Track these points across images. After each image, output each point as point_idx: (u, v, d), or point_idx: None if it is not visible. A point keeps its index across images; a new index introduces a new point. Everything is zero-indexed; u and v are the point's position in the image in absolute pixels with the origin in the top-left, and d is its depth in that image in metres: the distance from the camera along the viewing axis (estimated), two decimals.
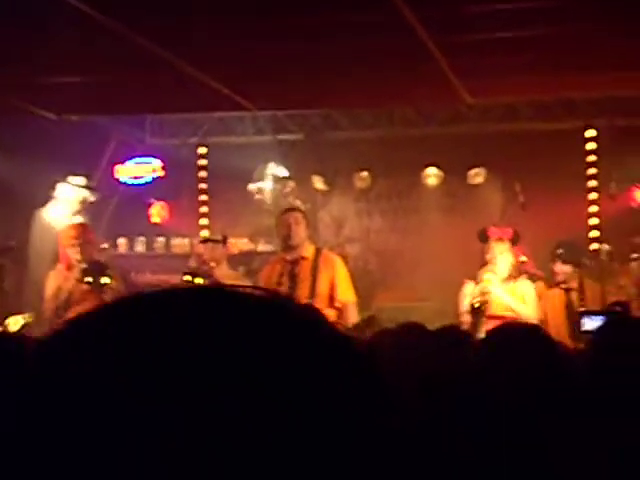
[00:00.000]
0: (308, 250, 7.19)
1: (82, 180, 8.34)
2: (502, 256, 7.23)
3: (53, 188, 8.27)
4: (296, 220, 7.23)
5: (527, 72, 7.71)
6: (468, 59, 7.26)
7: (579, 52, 7.08)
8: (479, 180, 10.22)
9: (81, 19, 6.18)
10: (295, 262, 7.14)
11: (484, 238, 7.35)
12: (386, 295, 9.69)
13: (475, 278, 7.24)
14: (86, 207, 8.31)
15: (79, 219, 8.01)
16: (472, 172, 10.17)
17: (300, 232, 7.18)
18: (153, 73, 7.63)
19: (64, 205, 8.24)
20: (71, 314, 7.06)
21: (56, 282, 7.19)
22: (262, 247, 10.44)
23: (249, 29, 6.60)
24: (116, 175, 10.50)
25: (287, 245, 7.21)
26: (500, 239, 7.29)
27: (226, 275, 7.59)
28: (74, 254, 7.13)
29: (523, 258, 8.28)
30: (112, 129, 10.33)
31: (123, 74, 7.69)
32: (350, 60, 7.24)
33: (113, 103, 8.94)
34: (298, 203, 9.93)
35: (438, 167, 10.31)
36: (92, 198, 8.40)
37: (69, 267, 7.16)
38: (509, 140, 9.71)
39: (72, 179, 8.29)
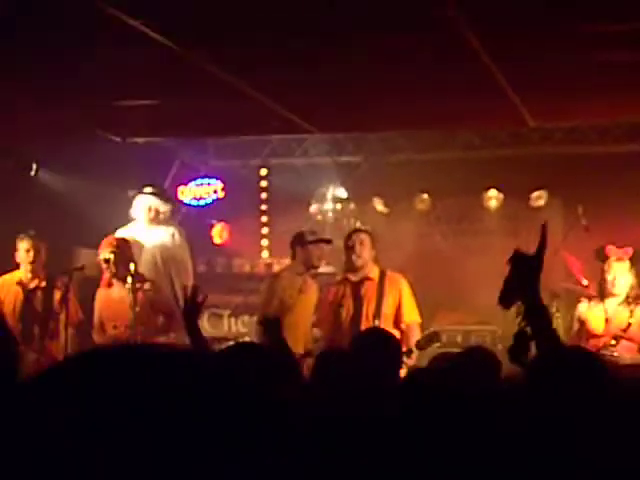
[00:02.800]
0: (373, 271, 7.21)
1: (159, 189, 8.44)
2: (622, 276, 7.21)
3: (127, 206, 8.38)
4: (361, 241, 7.27)
5: (590, 96, 7.67)
6: (531, 82, 7.24)
7: None
8: (541, 203, 10.16)
9: (147, 44, 6.29)
10: (360, 283, 7.17)
11: (602, 257, 7.33)
12: (446, 317, 9.65)
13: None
14: (159, 219, 8.37)
15: (143, 232, 8.12)
16: (534, 195, 10.12)
17: (365, 253, 7.21)
18: (216, 97, 7.72)
19: (137, 224, 8.33)
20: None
21: (97, 303, 7.37)
22: (322, 269, 10.47)
23: (311, 52, 6.66)
24: (179, 196, 10.63)
25: (352, 266, 7.24)
26: (620, 259, 7.28)
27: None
28: (102, 254, 7.23)
29: (585, 282, 8.23)
30: (176, 151, 10.46)
31: (187, 98, 7.79)
32: (413, 83, 7.27)
33: (177, 126, 9.05)
34: (358, 225, 9.96)
35: (499, 190, 10.28)
36: (165, 207, 8.45)
37: (108, 284, 7.30)
38: (571, 162, 9.65)
39: (148, 188, 8.39)
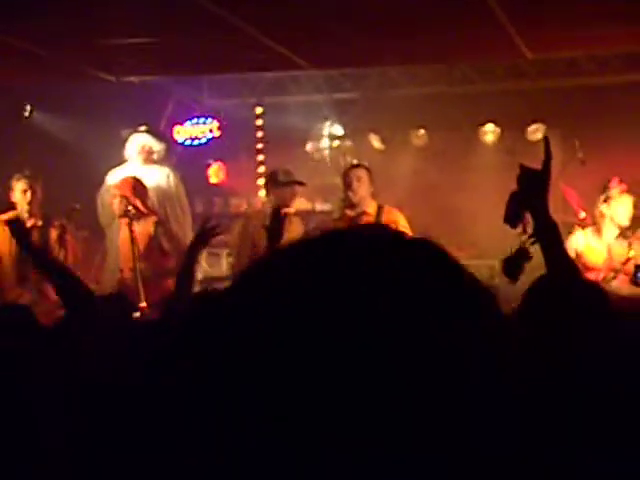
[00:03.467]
0: (370, 206, 7.21)
1: (152, 131, 8.39)
2: (624, 209, 7.24)
3: (120, 147, 8.34)
4: (359, 177, 7.25)
5: (588, 26, 7.59)
6: (528, 13, 7.16)
7: None
8: (538, 136, 10.11)
9: None
10: (357, 218, 7.17)
11: (606, 189, 7.35)
12: None
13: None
14: (153, 158, 8.34)
15: (137, 172, 8.08)
16: (531, 128, 10.07)
17: (362, 189, 7.20)
18: (210, 33, 7.65)
19: (131, 164, 8.29)
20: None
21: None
22: (319, 206, 10.48)
23: None
24: (175, 136, 10.58)
25: (349, 202, 7.24)
26: (623, 191, 7.31)
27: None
28: (117, 205, 7.27)
29: (583, 214, 8.24)
30: (170, 90, 10.39)
31: (181, 35, 7.72)
32: (408, 16, 7.19)
33: (171, 64, 8.98)
34: (355, 162, 9.94)
35: (496, 123, 10.24)
36: (159, 147, 8.41)
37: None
38: (569, 95, 9.60)
39: (143, 127, 8.35)
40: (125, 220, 7.31)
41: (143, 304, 6.67)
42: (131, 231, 7.19)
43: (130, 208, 7.29)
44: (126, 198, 7.33)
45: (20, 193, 7.41)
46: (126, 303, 4.54)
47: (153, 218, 7.47)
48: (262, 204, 7.82)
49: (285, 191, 7.43)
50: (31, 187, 7.40)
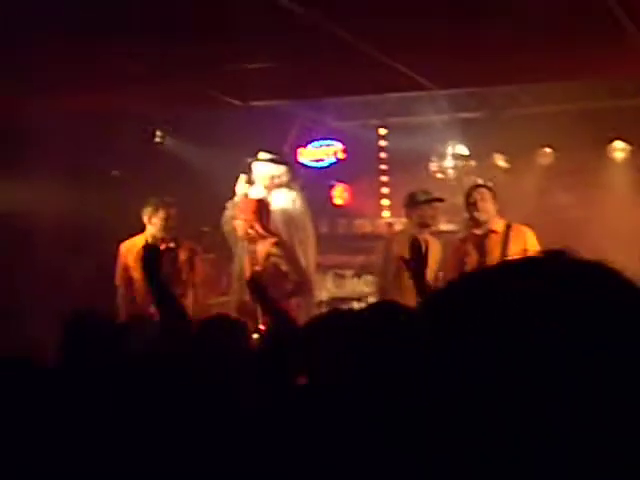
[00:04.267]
0: (498, 224, 7.16)
1: (272, 155, 8.46)
2: None
3: (247, 172, 8.46)
4: (482, 196, 7.22)
5: None
6: None
7: None
8: None
9: (267, 5, 6.32)
10: (484, 236, 7.13)
11: None
12: None
13: None
14: (276, 183, 8.42)
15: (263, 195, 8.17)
16: None
17: (488, 207, 7.16)
18: (335, 57, 7.72)
19: (258, 187, 8.41)
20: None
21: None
22: (444, 227, 10.42)
23: (430, 7, 6.57)
24: (299, 158, 10.70)
25: (476, 222, 7.20)
26: None
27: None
28: (239, 227, 7.36)
29: None
30: (295, 114, 10.52)
31: (306, 59, 7.81)
32: (536, 33, 7.09)
33: (297, 88, 9.09)
34: (480, 182, 9.85)
35: (625, 141, 10.02)
36: (280, 171, 8.48)
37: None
38: None
39: (262, 155, 8.43)
40: (246, 242, 7.40)
41: (262, 327, 6.73)
42: (248, 252, 7.28)
43: (250, 231, 7.38)
44: (247, 220, 7.41)
45: (160, 221, 7.57)
46: (239, 326, 4.59)
47: (273, 240, 7.52)
48: (403, 227, 7.83)
49: (426, 210, 7.49)
50: (168, 213, 7.57)
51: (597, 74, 9.12)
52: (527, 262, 0.82)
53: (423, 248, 4.99)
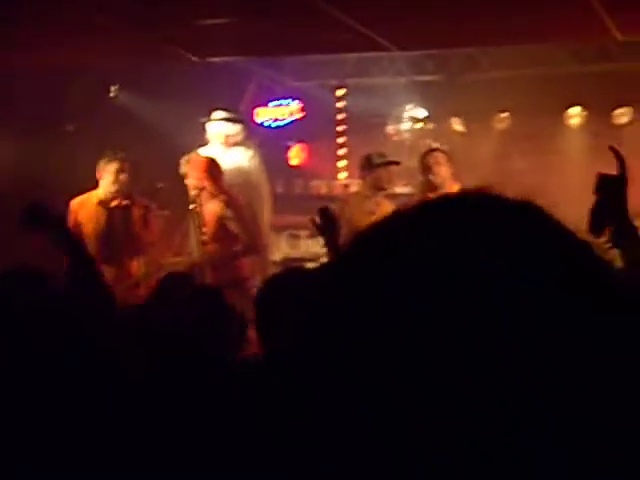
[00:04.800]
0: (452, 188, 7.16)
1: (227, 114, 8.37)
2: None
3: (202, 130, 8.36)
4: (437, 160, 7.23)
5: None
6: None
7: None
8: (624, 120, 9.92)
9: None
10: None
11: None
12: None
13: None
14: (231, 142, 8.35)
15: (218, 153, 8.09)
16: (617, 112, 9.88)
17: (442, 171, 7.17)
18: (294, 14, 7.64)
19: (214, 145, 8.32)
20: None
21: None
22: (400, 189, 10.41)
23: None
24: (256, 118, 10.61)
25: (430, 185, 7.20)
26: None
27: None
28: (189, 186, 7.29)
29: None
30: (253, 72, 10.42)
31: (264, 16, 7.72)
32: None
33: (254, 45, 8.99)
34: (435, 145, 9.85)
35: (582, 107, 10.06)
36: (235, 130, 8.40)
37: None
38: None
39: (217, 114, 8.33)
40: (196, 201, 7.33)
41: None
42: (196, 213, 7.21)
43: (198, 190, 7.30)
44: (197, 179, 7.33)
45: (111, 174, 7.47)
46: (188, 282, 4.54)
47: (223, 199, 7.44)
48: (357, 189, 7.83)
49: (381, 173, 7.48)
50: (122, 169, 7.47)
51: (557, 38, 9.12)
52: (461, 197, 0.79)
53: (334, 217, 4.95)
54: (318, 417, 0.72)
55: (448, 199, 0.80)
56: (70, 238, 3.96)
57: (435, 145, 8.44)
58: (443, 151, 7.45)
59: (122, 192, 7.51)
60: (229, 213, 7.40)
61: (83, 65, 9.09)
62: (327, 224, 4.87)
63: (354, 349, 0.71)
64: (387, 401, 0.69)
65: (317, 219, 4.91)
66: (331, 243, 4.76)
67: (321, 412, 0.72)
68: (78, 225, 7.44)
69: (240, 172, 8.25)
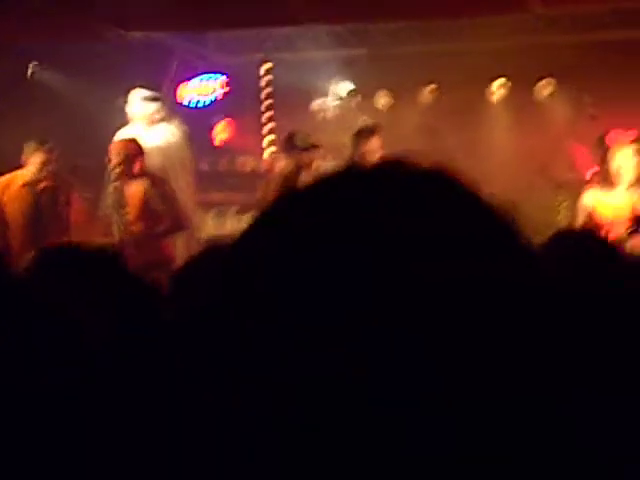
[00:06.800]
0: None
1: (144, 93, 8.26)
2: (627, 162, 7.07)
3: (124, 108, 8.24)
4: (367, 136, 7.30)
5: None
6: None
7: None
8: (547, 92, 10.05)
9: None
10: None
11: (604, 145, 7.23)
12: None
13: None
14: (153, 119, 8.24)
15: (140, 132, 7.98)
16: (540, 84, 10.00)
17: (374, 146, 7.25)
18: None
19: (135, 124, 8.20)
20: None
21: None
22: (325, 164, 10.41)
23: None
24: (180, 94, 10.49)
25: (362, 160, 7.22)
26: (623, 144, 7.18)
27: None
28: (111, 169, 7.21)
29: (589, 172, 8.16)
30: (175, 47, 10.29)
31: None
32: None
33: (177, 18, 8.88)
34: (363, 119, 9.85)
35: (506, 79, 10.17)
36: (159, 109, 8.29)
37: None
38: (580, 51, 9.46)
39: (134, 93, 8.21)
40: (116, 182, 7.22)
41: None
42: (121, 193, 7.12)
43: (119, 170, 7.20)
44: (117, 160, 7.23)
45: (37, 164, 7.35)
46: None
47: (146, 179, 7.36)
48: (282, 166, 7.87)
49: (303, 154, 7.51)
50: (49, 160, 7.36)
51: (478, 12, 9.16)
52: (375, 167, 0.78)
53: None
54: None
55: (360, 171, 0.78)
56: None
57: (365, 121, 8.50)
58: (374, 126, 7.52)
59: (47, 173, 7.41)
60: (152, 192, 7.32)
61: (1, 44, 8.88)
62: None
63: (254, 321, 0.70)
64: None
65: None
66: None
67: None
68: (2, 205, 7.32)
69: (162, 150, 8.14)
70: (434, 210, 0.72)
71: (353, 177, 0.77)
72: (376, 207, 0.71)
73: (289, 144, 7.61)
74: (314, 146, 7.68)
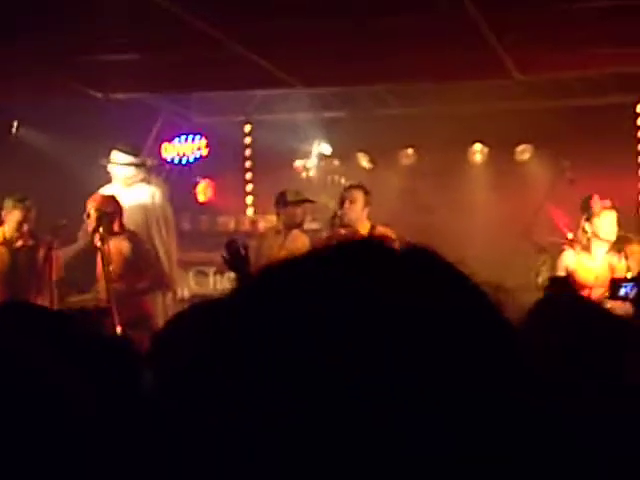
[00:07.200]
0: (363, 227, 7.22)
1: (127, 157, 8.30)
2: (610, 225, 7.22)
3: (105, 166, 8.27)
4: (353, 198, 7.34)
5: (577, 47, 7.60)
6: (517, 34, 7.17)
7: (632, 25, 6.96)
8: (526, 157, 10.16)
9: None
10: (349, 237, 7.17)
11: (588, 208, 7.38)
12: None
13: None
14: (134, 180, 8.27)
15: (121, 191, 7.99)
16: (519, 149, 10.11)
17: (356, 208, 7.27)
18: (199, 51, 7.64)
19: (115, 183, 8.22)
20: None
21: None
22: (307, 225, 10.44)
23: (295, 6, 6.57)
24: (162, 153, 10.53)
25: (341, 221, 7.28)
26: (606, 207, 7.34)
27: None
28: (90, 224, 7.20)
29: (570, 235, 8.23)
30: (158, 108, 10.35)
31: (170, 52, 7.70)
32: (397, 36, 7.18)
33: (158, 81, 8.96)
34: (343, 181, 9.92)
35: (484, 144, 10.26)
36: (138, 173, 8.33)
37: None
38: (557, 116, 9.60)
39: (114, 156, 8.25)
40: (97, 239, 7.20)
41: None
42: (102, 250, 7.09)
43: (100, 227, 7.18)
44: (98, 218, 7.22)
45: (14, 223, 7.35)
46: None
47: (125, 236, 7.37)
48: (272, 224, 7.95)
49: (295, 210, 7.63)
50: (26, 218, 7.36)
51: (459, 77, 9.30)
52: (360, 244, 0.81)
53: (242, 250, 5.01)
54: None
55: (342, 247, 0.81)
56: None
57: (349, 183, 8.56)
58: (361, 188, 7.55)
59: (26, 231, 7.41)
60: (132, 250, 7.33)
61: None
62: (234, 257, 4.88)
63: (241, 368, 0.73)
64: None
65: (225, 254, 4.94)
66: (242, 276, 4.78)
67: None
68: None
69: (142, 209, 8.16)
70: (416, 286, 0.75)
71: (337, 256, 0.80)
72: (359, 285, 0.75)
73: (281, 201, 7.69)
74: (306, 201, 7.75)
